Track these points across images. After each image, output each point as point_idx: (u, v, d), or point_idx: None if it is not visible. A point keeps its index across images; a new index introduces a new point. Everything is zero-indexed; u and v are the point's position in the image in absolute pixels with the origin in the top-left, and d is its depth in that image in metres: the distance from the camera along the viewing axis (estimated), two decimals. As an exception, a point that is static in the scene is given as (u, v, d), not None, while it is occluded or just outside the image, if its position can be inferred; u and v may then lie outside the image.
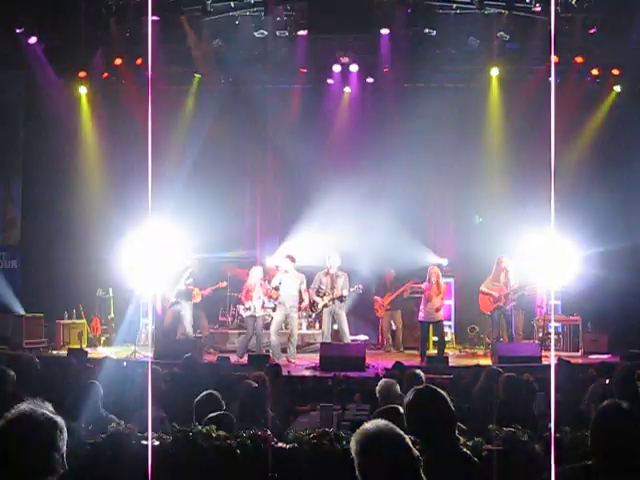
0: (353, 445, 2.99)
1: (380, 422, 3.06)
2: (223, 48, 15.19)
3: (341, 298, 13.28)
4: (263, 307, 13.48)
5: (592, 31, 13.85)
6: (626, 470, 3.54)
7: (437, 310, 13.33)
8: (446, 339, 14.59)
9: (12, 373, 6.91)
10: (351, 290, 13.37)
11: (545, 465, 3.84)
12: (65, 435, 2.70)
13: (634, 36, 13.60)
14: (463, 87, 16.28)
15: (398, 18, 14.15)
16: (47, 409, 2.72)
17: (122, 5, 13.73)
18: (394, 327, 15.05)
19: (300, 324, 13.99)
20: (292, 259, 13.42)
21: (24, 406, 2.69)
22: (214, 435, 5.47)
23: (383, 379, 7.12)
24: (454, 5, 14.14)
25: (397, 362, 10.05)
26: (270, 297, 13.46)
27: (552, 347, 13.78)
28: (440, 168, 16.40)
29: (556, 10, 13.30)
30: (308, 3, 13.73)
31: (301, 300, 13.36)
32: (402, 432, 3.03)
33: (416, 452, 3.02)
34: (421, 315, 13.54)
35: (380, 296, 14.94)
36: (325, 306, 13.24)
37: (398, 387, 6.75)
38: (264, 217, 17.27)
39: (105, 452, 5.52)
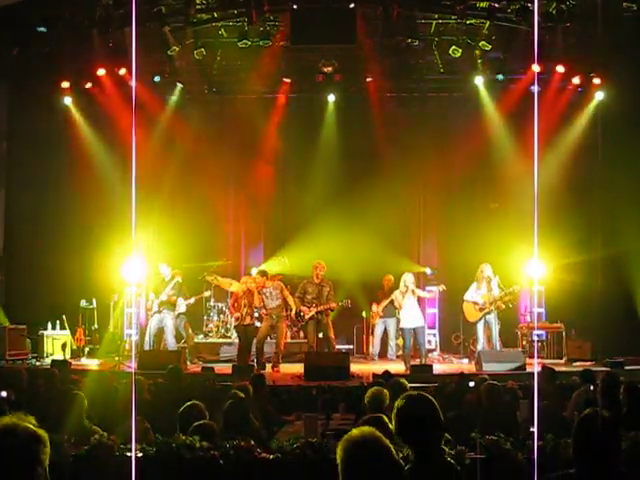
0: (338, 452, 3.00)
1: (366, 430, 3.07)
2: (206, 58, 15.21)
3: (329, 310, 13.28)
4: (252, 316, 13.46)
5: (573, 40, 13.95)
6: (608, 478, 3.56)
7: (415, 316, 13.28)
8: (430, 347, 14.65)
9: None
10: (340, 304, 13.33)
11: (528, 473, 3.85)
12: (48, 449, 2.69)
13: (613, 44, 13.71)
14: (446, 97, 16.37)
15: (381, 28, 14.21)
16: (30, 422, 2.70)
17: (105, 15, 13.70)
18: (390, 335, 14.98)
19: (285, 334, 13.98)
20: (263, 273, 13.70)
21: (6, 420, 2.68)
22: (197, 446, 5.45)
23: (373, 387, 7.11)
24: (436, 15, 14.20)
25: (385, 371, 10.04)
26: (259, 307, 13.45)
27: (535, 354, 13.83)
28: (424, 177, 16.49)
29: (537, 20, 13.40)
30: (291, 14, 13.75)
31: (288, 307, 13.38)
32: (388, 441, 3.04)
33: (401, 462, 3.03)
34: (401, 322, 13.55)
35: (377, 303, 14.90)
36: (312, 318, 13.24)
37: (388, 396, 6.75)
38: (249, 226, 17.26)
39: (88, 464, 5.49)
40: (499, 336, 13.93)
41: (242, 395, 7.12)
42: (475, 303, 13.51)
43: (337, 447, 3.03)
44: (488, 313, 13.42)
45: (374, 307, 14.89)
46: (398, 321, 14.83)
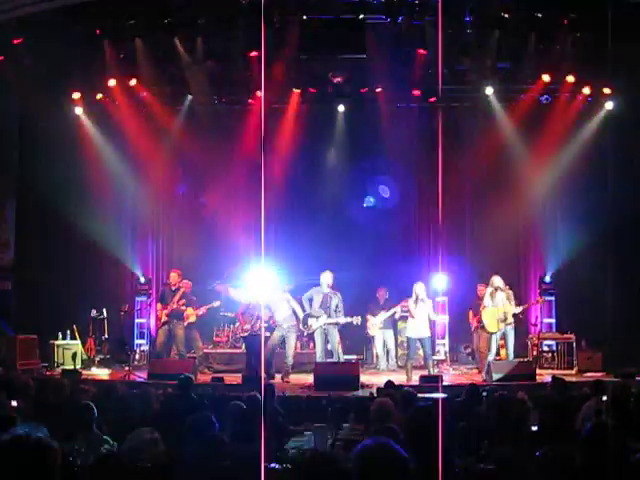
0: (354, 459, 3.00)
1: (382, 439, 3.07)
2: (215, 68, 15.24)
3: (336, 324, 13.25)
4: (260, 326, 13.47)
5: (583, 50, 13.93)
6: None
7: (423, 326, 13.23)
8: (439, 357, 14.64)
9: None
10: (348, 320, 13.26)
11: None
12: (59, 459, 2.70)
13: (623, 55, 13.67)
14: (456, 107, 16.34)
15: (390, 38, 14.21)
16: (42, 433, 2.72)
17: (116, 26, 13.78)
18: (388, 346, 15.01)
19: (295, 344, 13.96)
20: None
21: (19, 431, 2.69)
22: (206, 456, 5.45)
23: (378, 398, 7.10)
24: (445, 25, 14.20)
25: (388, 381, 10.01)
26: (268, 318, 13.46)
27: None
28: (432, 187, 16.46)
29: (547, 30, 13.41)
30: (300, 24, 13.78)
31: (297, 317, 13.39)
32: (403, 450, 3.04)
33: (414, 472, 3.03)
34: (408, 332, 13.52)
35: (373, 315, 14.89)
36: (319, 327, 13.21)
37: (393, 406, 6.73)
38: (258, 235, 17.21)
39: (98, 474, 5.49)
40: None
41: (251, 405, 7.11)
42: (498, 312, 13.26)
43: (351, 456, 3.03)
44: (509, 324, 13.34)
45: (370, 318, 14.87)
46: (396, 332, 14.83)
